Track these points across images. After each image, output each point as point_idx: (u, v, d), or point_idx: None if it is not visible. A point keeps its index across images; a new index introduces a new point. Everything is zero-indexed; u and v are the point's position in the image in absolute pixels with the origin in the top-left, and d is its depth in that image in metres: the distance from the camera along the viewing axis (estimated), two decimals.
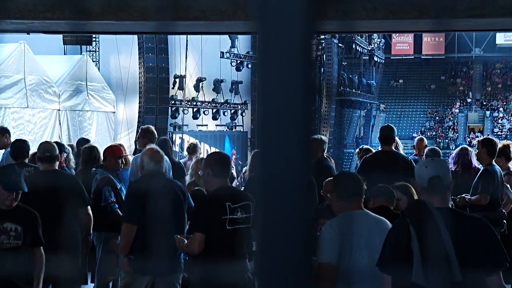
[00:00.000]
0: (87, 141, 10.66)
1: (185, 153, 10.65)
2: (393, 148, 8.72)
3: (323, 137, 9.39)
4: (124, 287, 6.74)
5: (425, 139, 10.71)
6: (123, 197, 7.71)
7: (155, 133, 9.48)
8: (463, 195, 8.69)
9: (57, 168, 7.57)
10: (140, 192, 6.45)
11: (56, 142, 10.40)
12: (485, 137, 9.84)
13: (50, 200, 6.87)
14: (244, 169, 26.34)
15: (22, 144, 8.32)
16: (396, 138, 9.34)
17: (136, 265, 6.52)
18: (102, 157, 8.69)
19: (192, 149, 11.08)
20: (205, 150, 26.02)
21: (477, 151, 8.92)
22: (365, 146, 10.20)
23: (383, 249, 4.42)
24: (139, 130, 9.63)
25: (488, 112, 57.39)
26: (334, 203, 5.17)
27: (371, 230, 4.89)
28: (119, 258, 6.66)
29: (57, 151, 7.66)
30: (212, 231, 5.68)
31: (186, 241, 5.90)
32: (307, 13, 0.97)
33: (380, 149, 8.99)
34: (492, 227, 4.45)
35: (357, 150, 10.16)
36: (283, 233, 0.99)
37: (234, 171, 28.21)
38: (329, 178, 7.33)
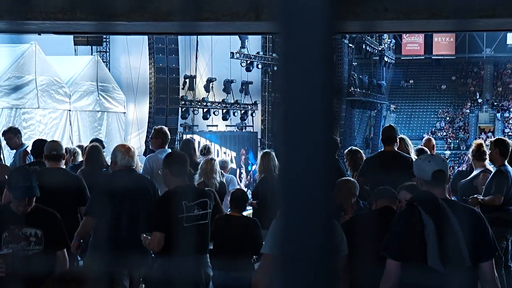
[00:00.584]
0: (100, 141, 10.67)
1: (198, 154, 10.70)
2: (396, 148, 8.70)
3: (336, 138, 9.38)
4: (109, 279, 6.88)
5: (432, 139, 10.66)
6: None
7: (168, 133, 9.50)
8: (475, 196, 8.67)
9: (62, 166, 7.83)
10: (109, 187, 6.71)
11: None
12: (497, 137, 9.80)
13: (53, 196, 7.02)
14: (253, 167, 26.38)
15: (42, 144, 8.44)
16: (406, 138, 9.33)
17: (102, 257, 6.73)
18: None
19: (207, 150, 11.10)
20: (215, 150, 26.06)
21: (489, 151, 8.90)
22: (354, 148, 10.12)
23: (391, 236, 4.63)
24: (152, 131, 9.66)
25: (499, 113, 57.24)
26: None
27: None
28: (74, 241, 6.85)
29: (63, 150, 7.94)
30: (170, 229, 5.91)
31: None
32: (328, 12, 0.98)
33: (382, 149, 9.00)
34: (485, 218, 4.73)
35: (346, 151, 10.09)
36: (304, 233, 1.00)
37: (243, 171, 28.29)
38: (341, 179, 7.42)
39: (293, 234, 0.99)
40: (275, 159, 9.00)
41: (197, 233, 6.08)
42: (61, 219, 5.78)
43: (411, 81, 62.14)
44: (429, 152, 9.29)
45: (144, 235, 6.17)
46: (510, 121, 56.32)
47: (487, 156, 9.22)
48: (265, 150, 10.43)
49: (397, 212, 5.04)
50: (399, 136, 9.09)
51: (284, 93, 0.99)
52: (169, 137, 9.54)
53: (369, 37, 40.03)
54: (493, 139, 9.26)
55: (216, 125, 30.73)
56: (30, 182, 5.58)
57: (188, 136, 25.62)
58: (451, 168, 42.57)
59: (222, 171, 10.40)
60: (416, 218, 4.49)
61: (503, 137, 9.72)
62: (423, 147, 10.09)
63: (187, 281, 6.00)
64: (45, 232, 5.56)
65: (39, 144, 8.58)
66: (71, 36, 21.98)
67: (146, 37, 24.15)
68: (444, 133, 56.51)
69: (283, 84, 0.99)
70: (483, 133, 54.53)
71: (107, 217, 6.59)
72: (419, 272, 4.41)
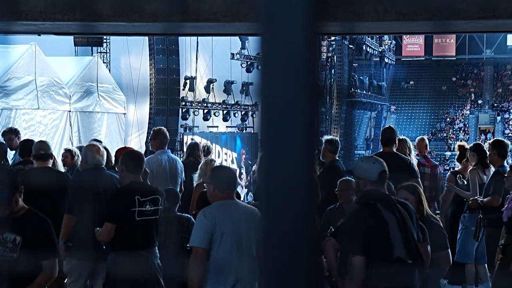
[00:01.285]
0: (100, 142, 10.66)
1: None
2: (395, 149, 8.72)
3: (337, 139, 9.41)
4: (68, 272, 7.27)
5: (426, 138, 10.64)
6: None
7: (167, 134, 9.51)
8: (475, 197, 8.68)
9: (50, 165, 8.07)
10: (82, 185, 7.04)
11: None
12: (495, 139, 9.82)
13: (42, 195, 7.17)
14: (253, 167, 26.36)
15: (29, 143, 8.62)
16: (407, 139, 9.35)
17: (77, 252, 7.09)
18: (113, 159, 8.74)
19: (207, 151, 11.13)
20: (216, 151, 26.04)
21: (488, 153, 8.93)
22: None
23: (351, 233, 5.04)
24: (151, 132, 9.68)
25: (499, 115, 57.21)
26: (210, 193, 5.67)
27: (241, 219, 5.46)
28: (59, 244, 6.97)
29: (51, 150, 8.20)
30: (123, 222, 6.32)
31: None
32: (310, 14, 0.98)
33: (381, 150, 9.03)
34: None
35: None
36: (286, 232, 1.00)
37: (243, 171, 28.28)
38: (343, 178, 7.46)
39: (276, 235, 0.99)
40: None
41: (148, 227, 6.45)
42: (51, 226, 5.32)
43: (411, 82, 62.13)
44: (416, 152, 9.35)
45: (97, 228, 6.46)
46: (510, 122, 56.31)
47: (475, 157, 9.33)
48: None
49: (351, 211, 5.42)
50: (401, 137, 9.11)
51: (265, 93, 0.99)
52: (168, 137, 9.55)
53: (369, 38, 40.03)
54: (491, 140, 9.28)
55: (217, 126, 30.72)
56: (3, 185, 5.17)
57: (190, 137, 25.63)
58: (451, 168, 42.56)
59: None
60: (378, 215, 4.91)
61: (501, 138, 9.73)
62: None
63: (140, 272, 6.29)
64: (25, 239, 5.12)
65: (25, 144, 8.83)
66: (71, 37, 21.97)
67: (146, 38, 24.16)
68: (445, 134, 56.51)
69: (264, 85, 0.99)
70: (483, 134, 54.53)
71: (86, 214, 6.83)
72: (387, 263, 4.84)
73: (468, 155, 9.34)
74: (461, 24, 8.43)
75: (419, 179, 8.40)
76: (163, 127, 9.95)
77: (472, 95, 60.51)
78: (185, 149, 26.26)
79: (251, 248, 5.47)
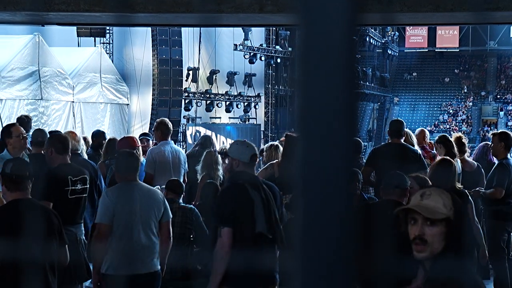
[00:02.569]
0: (102, 133, 10.69)
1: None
2: (402, 141, 8.72)
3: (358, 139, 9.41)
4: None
5: (425, 130, 10.64)
6: None
7: (169, 125, 9.50)
8: (477, 189, 8.67)
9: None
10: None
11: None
12: (502, 130, 9.78)
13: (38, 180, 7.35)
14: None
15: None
16: (410, 132, 9.35)
17: None
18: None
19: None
20: (221, 142, 26.06)
21: (492, 144, 8.91)
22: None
23: (222, 208, 5.51)
24: (154, 123, 9.70)
25: (502, 106, 57.14)
26: (115, 176, 6.40)
27: (142, 198, 6.14)
28: None
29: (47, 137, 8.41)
30: (58, 200, 6.68)
31: None
32: (350, 5, 0.97)
33: (389, 141, 9.01)
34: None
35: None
36: (324, 225, 1.00)
37: None
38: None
39: (313, 226, 0.99)
40: (279, 151, 9.01)
41: (78, 205, 6.94)
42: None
43: (414, 74, 62.07)
44: (416, 143, 9.34)
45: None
46: None
47: (467, 148, 9.29)
48: (270, 143, 10.43)
49: (223, 188, 6.10)
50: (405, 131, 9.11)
51: (302, 85, 0.98)
52: (171, 129, 9.53)
53: (372, 30, 39.98)
54: (497, 132, 9.23)
55: (219, 117, 30.73)
56: None
57: (195, 128, 25.62)
58: None
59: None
60: (245, 193, 5.44)
61: (508, 131, 9.69)
62: (358, 139, 10.17)
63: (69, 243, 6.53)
64: None
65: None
66: (75, 28, 21.96)
67: (149, 29, 24.14)
68: (447, 126, 56.46)
69: (301, 77, 0.99)
70: (486, 126, 54.48)
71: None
72: (250, 237, 5.39)
73: (435, 148, 9.37)
74: (466, 15, 8.41)
75: (428, 171, 8.38)
76: (165, 118, 9.93)
77: (477, 86, 60.44)
78: (189, 140, 26.34)
79: (151, 226, 6.14)
